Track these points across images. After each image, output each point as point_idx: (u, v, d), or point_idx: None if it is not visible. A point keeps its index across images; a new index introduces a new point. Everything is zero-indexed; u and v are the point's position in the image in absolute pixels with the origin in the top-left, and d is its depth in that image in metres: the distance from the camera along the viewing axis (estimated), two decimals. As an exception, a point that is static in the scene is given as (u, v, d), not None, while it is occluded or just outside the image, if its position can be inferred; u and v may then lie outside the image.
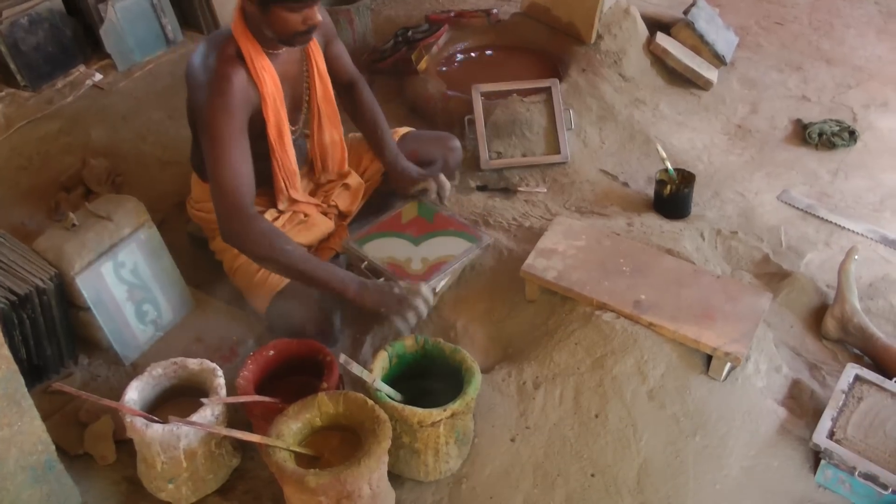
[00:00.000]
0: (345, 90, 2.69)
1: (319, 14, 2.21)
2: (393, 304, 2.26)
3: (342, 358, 1.93)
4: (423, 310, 2.30)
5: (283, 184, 2.46)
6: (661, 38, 3.59)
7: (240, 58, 2.24)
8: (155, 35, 3.65)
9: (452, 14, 3.72)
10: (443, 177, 2.70)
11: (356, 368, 1.94)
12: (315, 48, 2.45)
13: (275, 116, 2.34)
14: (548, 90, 3.20)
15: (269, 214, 2.48)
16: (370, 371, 2.00)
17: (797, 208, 3.05)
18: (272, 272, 2.36)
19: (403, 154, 2.72)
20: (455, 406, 1.95)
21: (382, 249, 2.53)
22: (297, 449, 1.86)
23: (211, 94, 2.19)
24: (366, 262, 2.48)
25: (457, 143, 2.89)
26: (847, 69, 3.89)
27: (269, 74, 2.29)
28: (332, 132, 2.59)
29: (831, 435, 2.12)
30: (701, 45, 3.66)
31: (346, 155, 2.66)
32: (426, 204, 2.69)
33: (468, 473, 2.11)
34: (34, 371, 2.25)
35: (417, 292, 2.28)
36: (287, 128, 2.40)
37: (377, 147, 2.70)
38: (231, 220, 2.20)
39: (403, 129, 2.87)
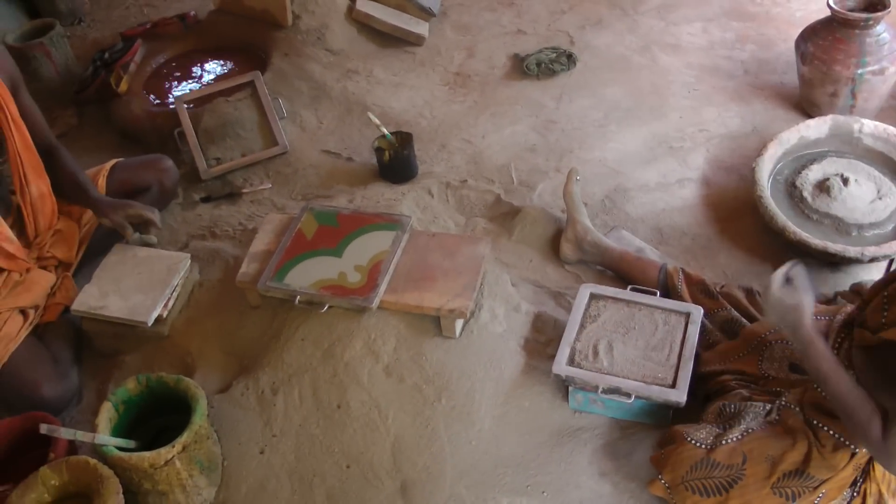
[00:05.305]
0: (43, 158, 2.46)
1: None
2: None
3: (44, 428, 1.82)
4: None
5: None
6: (362, 4, 3.51)
7: None
8: None
9: (148, 26, 3.52)
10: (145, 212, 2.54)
11: (65, 433, 1.84)
12: (3, 92, 2.26)
13: None
14: (251, 84, 3.07)
15: None
16: (95, 425, 1.92)
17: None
18: None
19: (115, 184, 2.63)
20: (184, 438, 1.90)
21: (307, 275, 2.25)
22: (30, 535, 1.74)
23: None
24: (298, 297, 2.21)
25: (168, 162, 2.78)
26: (558, -5, 3.93)
27: None
28: (39, 184, 2.43)
29: (572, 360, 2.11)
30: (405, 2, 3.61)
31: (56, 208, 2.50)
32: (319, 210, 2.45)
33: (225, 499, 2.05)
34: None
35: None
36: None
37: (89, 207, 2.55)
38: None
39: (111, 163, 2.71)
